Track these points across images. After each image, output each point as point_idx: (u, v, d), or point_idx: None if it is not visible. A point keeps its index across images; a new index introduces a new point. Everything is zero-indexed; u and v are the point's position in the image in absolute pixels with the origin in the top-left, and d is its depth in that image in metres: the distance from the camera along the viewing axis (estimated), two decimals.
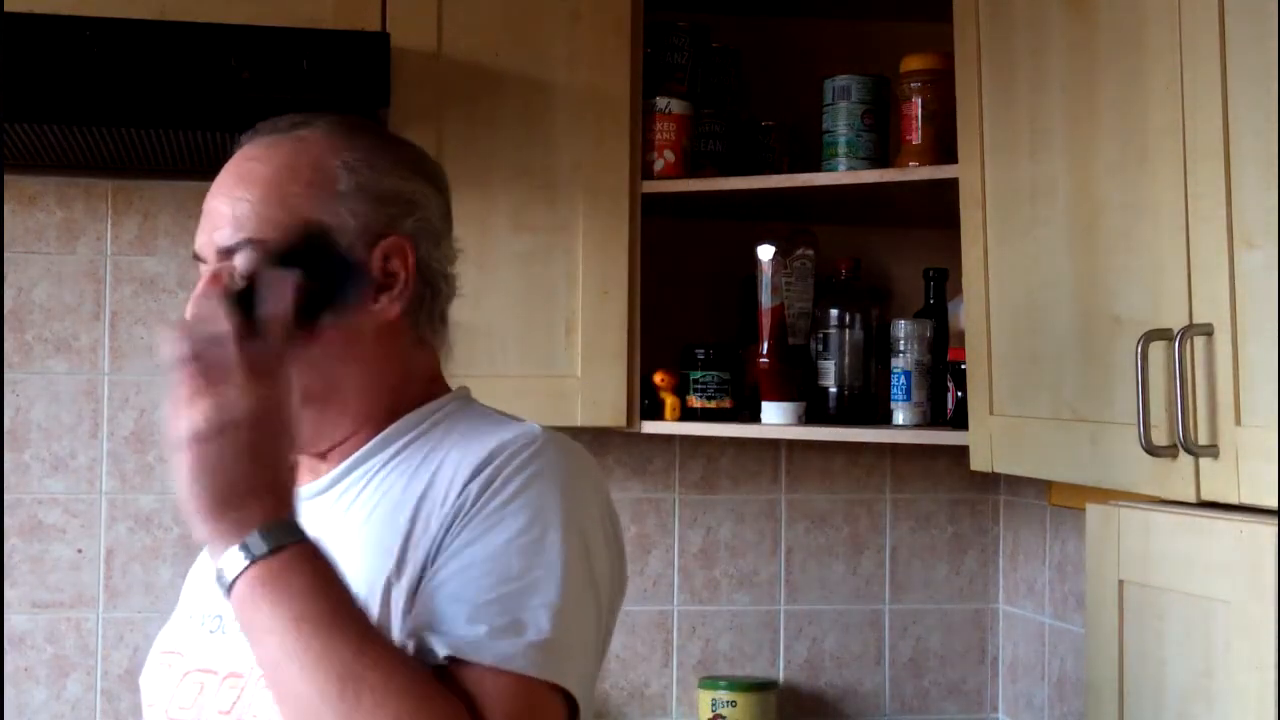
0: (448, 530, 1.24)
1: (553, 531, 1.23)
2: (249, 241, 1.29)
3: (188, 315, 1.29)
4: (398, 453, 1.34)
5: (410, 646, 1.19)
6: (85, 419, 2.54)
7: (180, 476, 1.15)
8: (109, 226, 2.56)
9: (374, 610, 1.23)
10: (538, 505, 1.24)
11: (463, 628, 1.17)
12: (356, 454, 1.35)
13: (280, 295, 1.22)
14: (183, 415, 1.16)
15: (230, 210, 1.31)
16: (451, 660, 1.16)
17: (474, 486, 1.25)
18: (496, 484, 1.25)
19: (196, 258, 1.35)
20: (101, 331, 2.55)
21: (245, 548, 1.15)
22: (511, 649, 1.16)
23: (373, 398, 1.35)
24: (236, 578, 1.14)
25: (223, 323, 1.18)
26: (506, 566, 1.20)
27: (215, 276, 1.30)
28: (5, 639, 2.49)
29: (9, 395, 2.51)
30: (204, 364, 1.16)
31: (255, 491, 1.16)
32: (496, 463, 1.26)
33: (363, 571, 1.26)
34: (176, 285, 2.56)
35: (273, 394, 1.17)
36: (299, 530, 1.17)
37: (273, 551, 1.15)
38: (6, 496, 2.51)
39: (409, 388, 1.37)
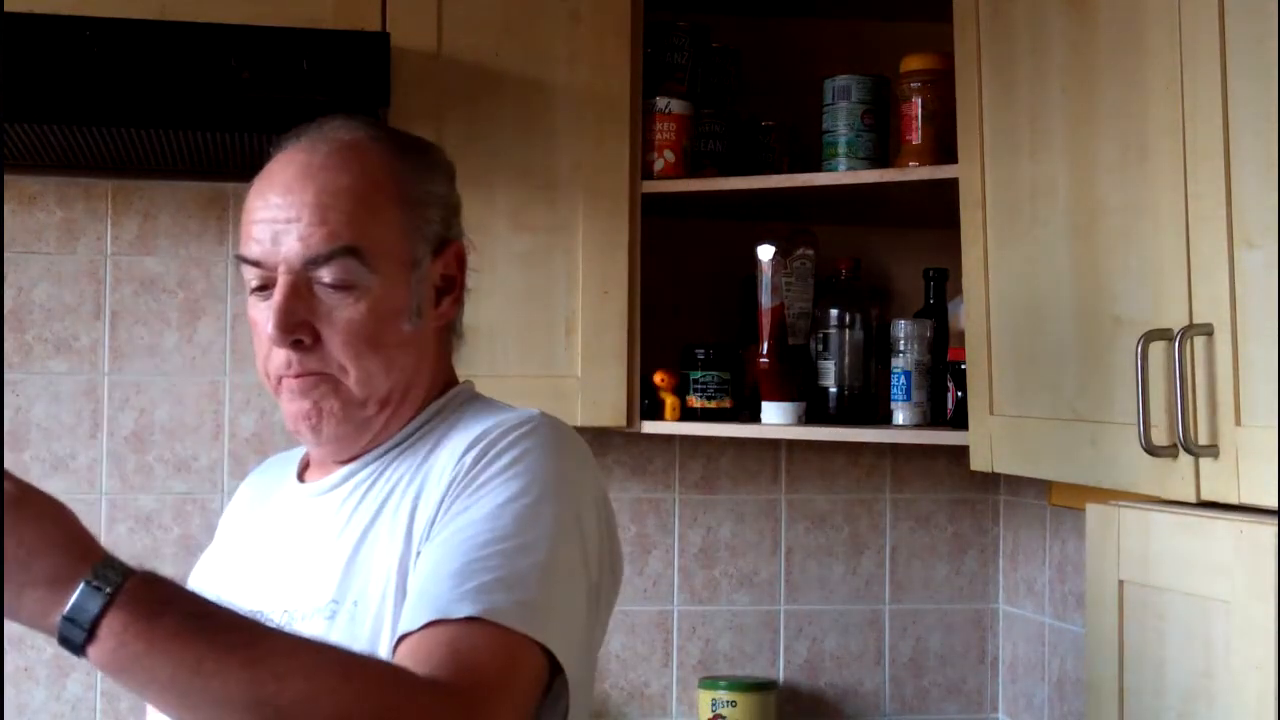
0: (442, 499, 1.26)
1: (546, 500, 1.24)
2: (348, 249, 1.29)
3: (276, 324, 1.28)
4: (406, 447, 1.37)
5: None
6: (85, 419, 2.54)
7: None
8: (109, 226, 2.56)
9: (392, 597, 1.25)
10: (531, 475, 1.26)
11: (450, 586, 1.17)
12: (365, 455, 1.37)
13: None
14: None
15: (320, 219, 1.29)
16: (436, 621, 1.16)
17: (468, 459, 1.27)
18: (490, 455, 1.27)
19: (255, 264, 1.32)
20: (101, 331, 2.55)
21: (72, 616, 1.01)
22: (495, 603, 1.16)
23: (422, 395, 1.39)
24: (85, 648, 1.01)
25: None
26: (496, 529, 1.21)
27: (296, 289, 1.29)
28: (5, 639, 2.49)
29: (9, 395, 2.51)
30: None
31: (36, 558, 1.01)
32: (492, 436, 1.29)
33: (383, 560, 1.28)
34: (176, 285, 2.56)
35: None
36: (118, 571, 1.03)
37: (106, 607, 1.01)
38: None
39: (430, 387, 1.40)
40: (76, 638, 1.01)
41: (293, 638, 1.11)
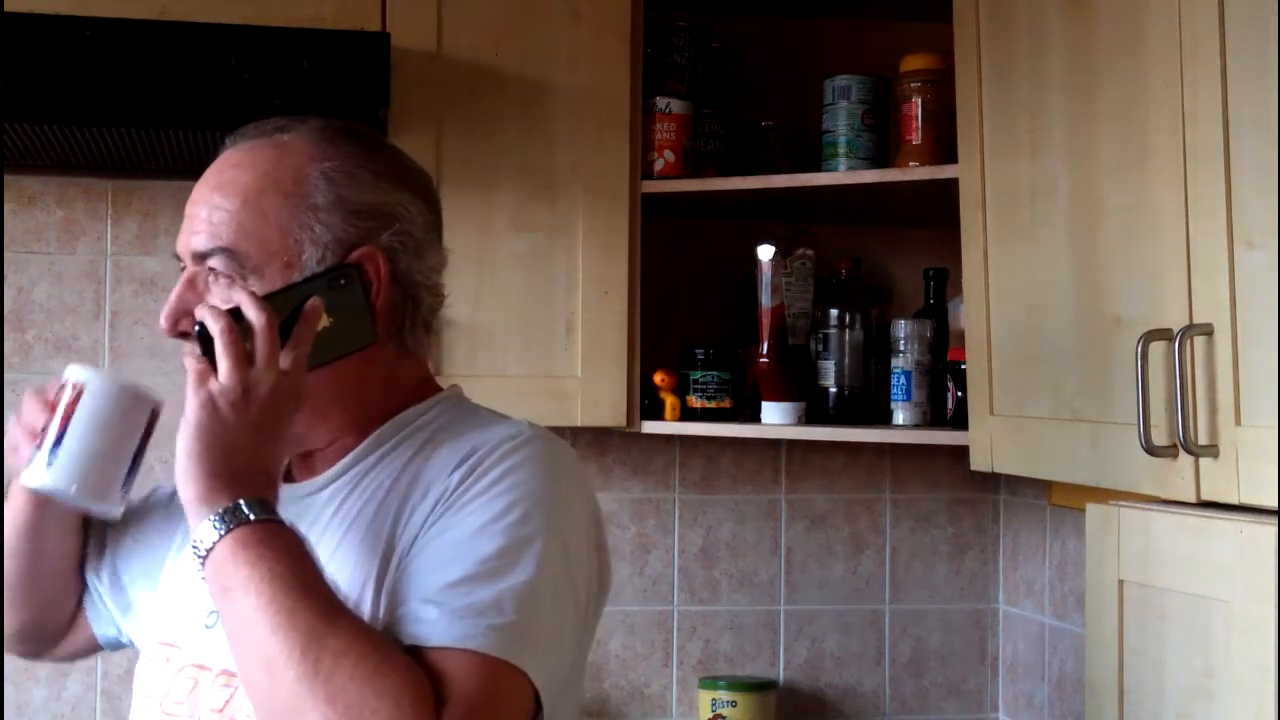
0: (427, 518, 1.25)
1: (529, 520, 1.23)
2: (223, 250, 1.29)
3: (164, 314, 1.31)
4: (387, 454, 1.35)
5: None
6: None
7: (189, 434, 1.22)
8: (109, 226, 2.56)
9: (367, 605, 1.24)
10: (516, 494, 1.24)
11: (425, 610, 1.18)
12: (347, 457, 1.36)
13: (311, 322, 1.28)
14: (211, 378, 1.23)
15: (208, 216, 1.30)
16: (415, 646, 1.16)
17: (455, 476, 1.26)
18: (477, 473, 1.25)
19: (176, 257, 1.35)
20: (101, 331, 2.55)
21: (234, 511, 1.19)
22: (470, 629, 1.16)
23: (354, 407, 1.35)
24: (220, 539, 1.18)
25: (262, 312, 1.24)
26: (477, 550, 1.20)
27: (190, 281, 1.32)
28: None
29: (9, 395, 2.51)
30: (235, 342, 1.24)
31: (254, 465, 1.22)
32: (480, 453, 1.27)
33: (355, 568, 1.27)
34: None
35: (292, 388, 1.25)
36: (278, 514, 1.22)
37: (259, 520, 1.19)
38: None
39: (394, 395, 1.37)
40: (198, 555, 1.21)
41: (350, 611, 1.20)
